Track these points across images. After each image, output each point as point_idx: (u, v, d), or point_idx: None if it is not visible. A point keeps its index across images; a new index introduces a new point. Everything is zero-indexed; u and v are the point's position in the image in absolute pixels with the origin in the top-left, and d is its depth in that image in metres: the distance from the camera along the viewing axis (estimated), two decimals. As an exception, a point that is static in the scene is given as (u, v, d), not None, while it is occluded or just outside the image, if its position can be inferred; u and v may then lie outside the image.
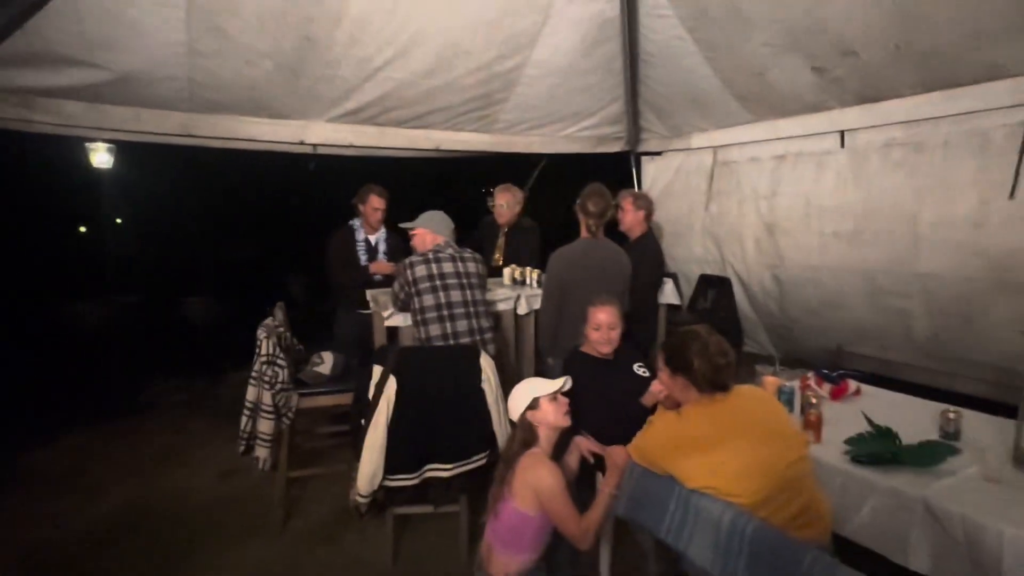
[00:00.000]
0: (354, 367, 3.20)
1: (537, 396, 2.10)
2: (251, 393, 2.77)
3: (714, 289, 4.44)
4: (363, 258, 4.01)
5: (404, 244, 3.58)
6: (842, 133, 3.75)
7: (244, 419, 2.78)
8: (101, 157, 4.75)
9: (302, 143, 4.24)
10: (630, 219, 3.82)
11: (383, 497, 2.54)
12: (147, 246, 7.93)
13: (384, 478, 2.46)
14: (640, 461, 1.91)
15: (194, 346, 6.19)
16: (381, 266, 3.93)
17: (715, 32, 3.73)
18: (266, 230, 9.29)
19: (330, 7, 3.48)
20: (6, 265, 6.15)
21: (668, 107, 4.71)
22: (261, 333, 2.82)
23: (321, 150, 4.33)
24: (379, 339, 3.35)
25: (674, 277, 4.40)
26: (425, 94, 4.22)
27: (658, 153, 5.20)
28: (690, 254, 4.96)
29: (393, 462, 2.47)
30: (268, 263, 8.68)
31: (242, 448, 2.80)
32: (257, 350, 2.77)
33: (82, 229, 10.04)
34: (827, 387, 2.78)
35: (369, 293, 3.59)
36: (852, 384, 2.84)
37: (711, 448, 1.79)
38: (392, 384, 2.48)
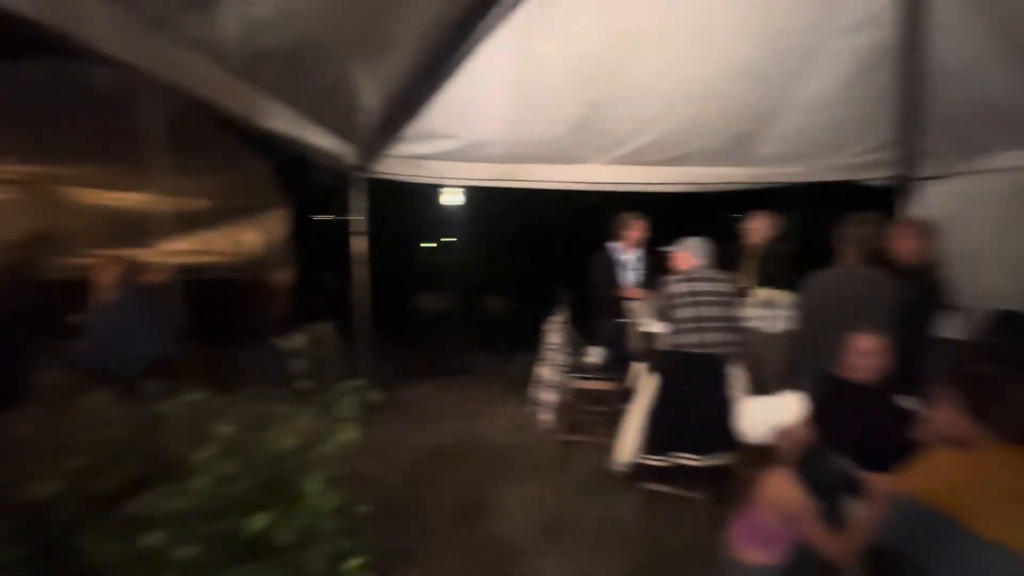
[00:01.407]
0: (615, 361, 3.35)
1: (776, 422, 1.92)
2: (541, 371, 3.13)
3: (1016, 326, 3.33)
4: (623, 275, 4.13)
5: (657, 264, 3.59)
6: None
7: (535, 390, 3.16)
8: (451, 197, 5.90)
9: (585, 181, 4.60)
10: (906, 247, 3.13)
11: (637, 471, 2.61)
12: (467, 257, 9.48)
13: (639, 455, 2.53)
14: (912, 493, 1.60)
15: (492, 330, 7.21)
16: (634, 292, 3.97)
17: (1034, 41, 2.83)
18: (543, 248, 10.23)
19: (612, 76, 3.72)
20: (392, 268, 8.11)
21: (957, 127, 3.73)
22: (550, 327, 3.17)
23: (598, 187, 4.63)
24: (634, 342, 3.44)
25: (959, 310, 3.44)
26: (685, 138, 4.17)
27: (939, 177, 4.14)
28: (983, 286, 3.81)
29: (648, 444, 2.53)
30: (543, 274, 9.57)
31: (531, 412, 3.17)
32: (547, 339, 3.13)
33: (431, 245, 12.36)
34: None
35: (628, 304, 3.71)
36: None
37: (1008, 500, 1.40)
38: (651, 380, 2.54)
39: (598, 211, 5.82)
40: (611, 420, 3.26)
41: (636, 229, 4.13)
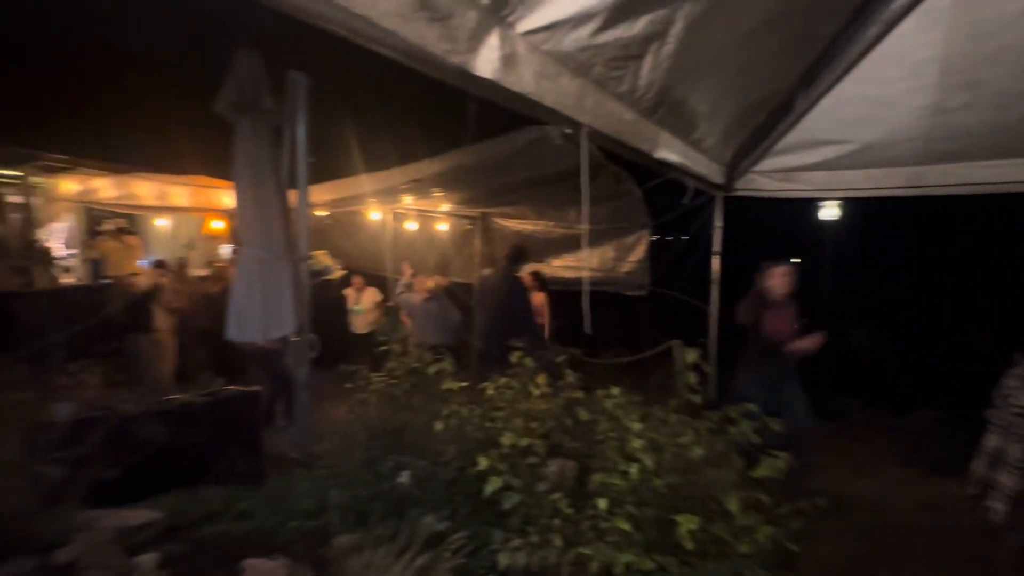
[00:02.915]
0: None
1: None
2: (993, 439, 2.27)
3: None
4: None
5: None
6: None
7: (980, 464, 2.31)
8: (828, 212, 5.06)
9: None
10: None
11: None
12: (827, 281, 8.02)
13: None
14: None
15: (866, 372, 5.77)
16: None
17: None
18: (948, 274, 7.64)
19: None
20: (737, 290, 7.61)
21: None
22: (1011, 383, 2.26)
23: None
24: None
25: None
26: None
27: None
28: None
29: None
30: (943, 307, 7.12)
31: (974, 491, 2.34)
32: (1005, 400, 2.24)
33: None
34: None
35: None
36: None
37: None
38: None
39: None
40: None
41: None
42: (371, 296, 5.33)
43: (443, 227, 5.98)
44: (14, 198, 6.23)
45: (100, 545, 1.48)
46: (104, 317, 4.46)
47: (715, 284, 4.47)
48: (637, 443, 1.55)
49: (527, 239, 5.36)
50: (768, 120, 3.81)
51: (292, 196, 2.86)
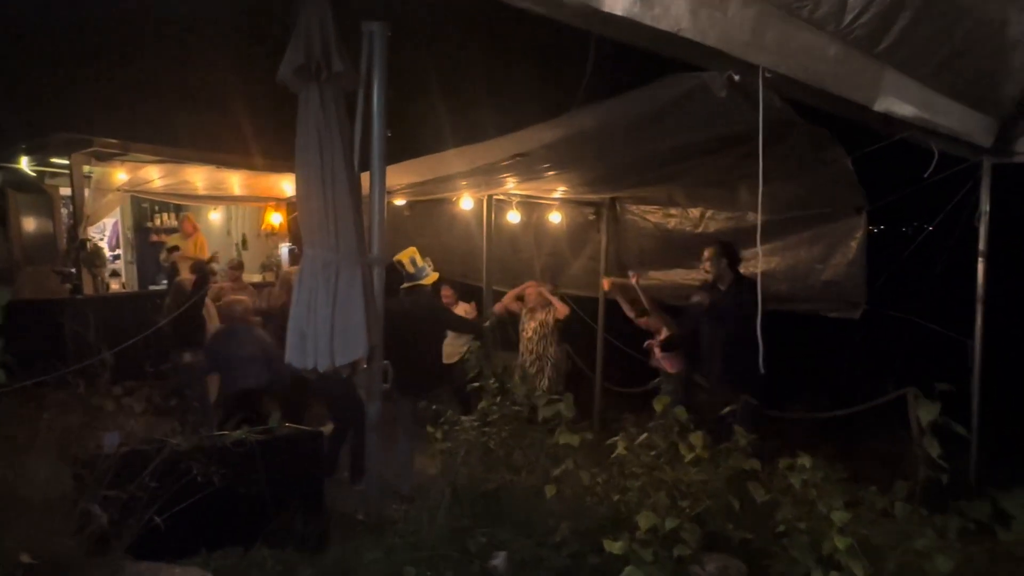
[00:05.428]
0: None
1: None
2: None
3: None
4: None
5: None
6: None
7: None
8: None
9: None
10: None
11: None
12: None
13: None
14: None
15: None
16: None
17: None
18: None
19: None
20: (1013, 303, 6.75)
21: None
22: None
23: None
24: None
25: None
26: None
27: None
28: None
29: None
30: None
31: None
32: None
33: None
34: None
35: None
36: None
37: None
38: None
39: None
40: None
41: None
42: (463, 313, 5.56)
43: (556, 218, 6.05)
44: (64, 190, 7.45)
45: (148, 605, 1.75)
46: (151, 332, 5.21)
47: (980, 302, 3.99)
48: (840, 542, 1.47)
49: (674, 233, 5.23)
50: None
51: (364, 180, 3.08)
